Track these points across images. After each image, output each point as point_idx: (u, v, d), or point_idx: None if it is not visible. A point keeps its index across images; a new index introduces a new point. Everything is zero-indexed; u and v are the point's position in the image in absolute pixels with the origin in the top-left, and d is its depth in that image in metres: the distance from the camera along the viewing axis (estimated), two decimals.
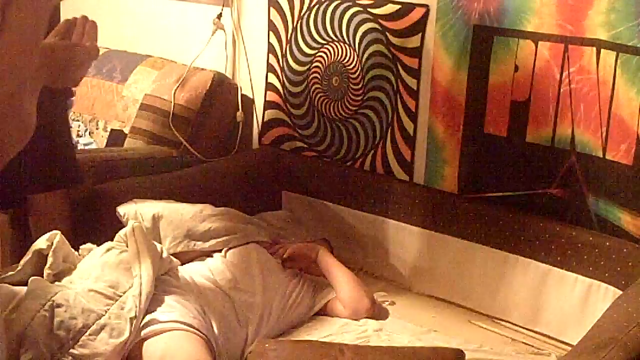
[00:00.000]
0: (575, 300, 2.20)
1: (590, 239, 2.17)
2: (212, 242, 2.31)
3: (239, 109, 2.92)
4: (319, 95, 2.79)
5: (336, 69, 2.72)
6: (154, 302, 1.91)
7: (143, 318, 1.86)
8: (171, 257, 2.16)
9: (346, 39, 2.67)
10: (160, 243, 2.19)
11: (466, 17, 2.35)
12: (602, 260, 2.14)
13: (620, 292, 2.01)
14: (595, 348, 1.60)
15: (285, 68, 2.86)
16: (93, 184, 2.45)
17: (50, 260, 1.95)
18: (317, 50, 2.76)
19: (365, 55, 2.63)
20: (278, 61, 2.88)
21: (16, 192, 2.26)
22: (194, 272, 2.16)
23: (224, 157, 2.89)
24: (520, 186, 2.36)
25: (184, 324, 1.86)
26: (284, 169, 2.85)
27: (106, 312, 1.82)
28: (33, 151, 2.24)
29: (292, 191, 2.83)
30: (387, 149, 2.64)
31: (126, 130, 2.93)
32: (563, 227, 2.23)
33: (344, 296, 2.25)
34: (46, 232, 2.05)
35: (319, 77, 2.77)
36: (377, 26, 2.58)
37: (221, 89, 2.87)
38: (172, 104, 2.82)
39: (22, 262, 1.98)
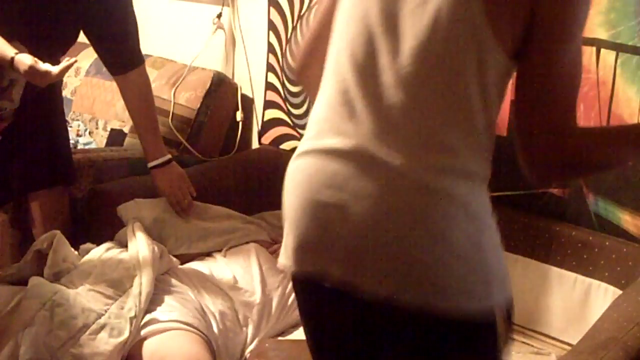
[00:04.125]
0: (575, 300, 2.20)
1: (590, 238, 2.17)
2: (212, 241, 2.31)
3: (238, 109, 2.92)
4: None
5: None
6: (153, 301, 1.91)
7: (143, 317, 1.86)
8: (171, 256, 2.16)
9: None
10: (161, 243, 2.19)
11: None
12: (602, 260, 2.13)
13: (620, 292, 2.00)
14: (595, 348, 1.60)
15: (285, 68, 2.86)
16: (93, 184, 2.45)
17: (50, 260, 1.95)
18: None
19: None
20: (278, 61, 2.88)
21: (12, 188, 2.26)
22: (194, 271, 2.16)
23: (223, 156, 2.88)
24: (520, 186, 2.36)
25: (184, 323, 1.86)
26: (284, 169, 2.83)
27: (106, 311, 1.82)
28: (33, 148, 2.26)
29: None
30: None
31: (126, 129, 2.93)
32: (563, 227, 2.23)
33: None
34: (46, 232, 2.05)
35: None
36: None
37: (221, 88, 2.87)
38: (172, 103, 2.82)
39: (22, 262, 1.98)
